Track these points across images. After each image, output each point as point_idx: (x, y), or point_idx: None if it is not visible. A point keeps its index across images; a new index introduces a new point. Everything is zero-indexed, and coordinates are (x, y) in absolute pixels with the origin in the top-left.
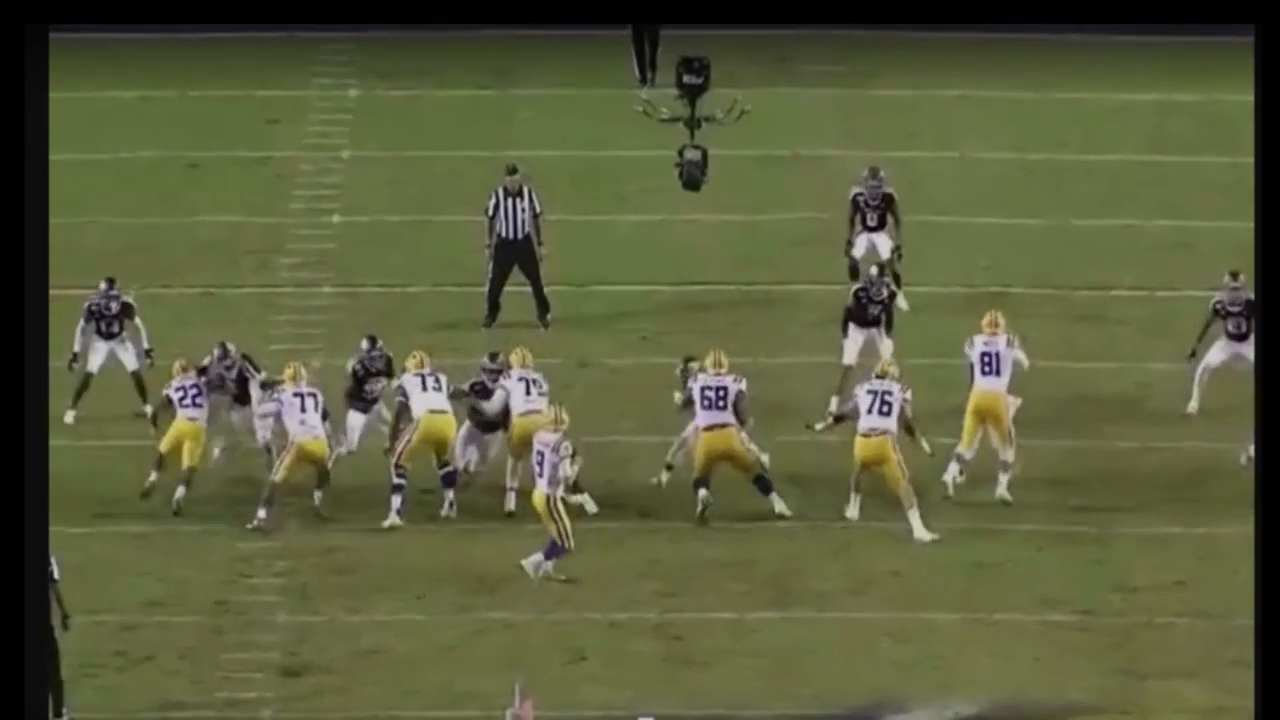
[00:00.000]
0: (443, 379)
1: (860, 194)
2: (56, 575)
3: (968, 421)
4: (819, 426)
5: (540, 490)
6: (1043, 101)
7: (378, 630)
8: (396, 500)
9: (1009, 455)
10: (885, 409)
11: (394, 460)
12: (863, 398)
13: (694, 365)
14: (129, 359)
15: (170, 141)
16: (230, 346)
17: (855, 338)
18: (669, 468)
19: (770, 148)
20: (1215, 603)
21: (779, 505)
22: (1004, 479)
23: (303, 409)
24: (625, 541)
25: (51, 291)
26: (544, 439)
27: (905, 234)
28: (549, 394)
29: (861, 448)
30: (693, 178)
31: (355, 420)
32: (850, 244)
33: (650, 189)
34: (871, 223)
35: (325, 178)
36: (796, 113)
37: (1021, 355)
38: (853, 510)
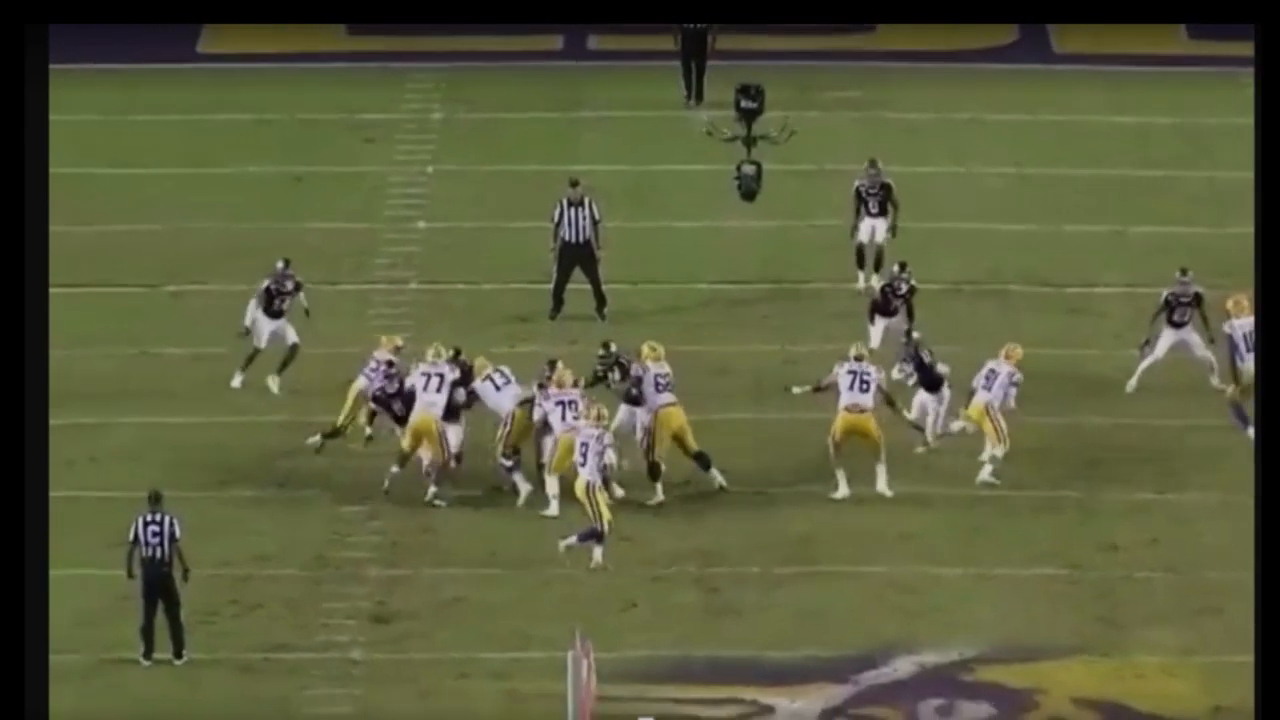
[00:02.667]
0: (511, 377)
1: (862, 184)
2: (178, 534)
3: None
4: (796, 390)
5: (582, 478)
6: (1040, 123)
7: (457, 583)
8: (519, 478)
9: (999, 451)
10: (864, 387)
11: (501, 451)
12: (843, 377)
13: (615, 352)
14: (290, 335)
15: (280, 158)
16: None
17: (879, 325)
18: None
19: (798, 164)
20: (1185, 560)
21: (719, 479)
22: (988, 469)
23: (425, 388)
24: (670, 507)
25: (174, 287)
26: (587, 433)
27: (900, 216)
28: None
29: (845, 421)
30: (749, 190)
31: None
32: (855, 229)
33: (694, 200)
34: (873, 209)
35: (412, 190)
36: (821, 134)
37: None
38: (842, 489)
